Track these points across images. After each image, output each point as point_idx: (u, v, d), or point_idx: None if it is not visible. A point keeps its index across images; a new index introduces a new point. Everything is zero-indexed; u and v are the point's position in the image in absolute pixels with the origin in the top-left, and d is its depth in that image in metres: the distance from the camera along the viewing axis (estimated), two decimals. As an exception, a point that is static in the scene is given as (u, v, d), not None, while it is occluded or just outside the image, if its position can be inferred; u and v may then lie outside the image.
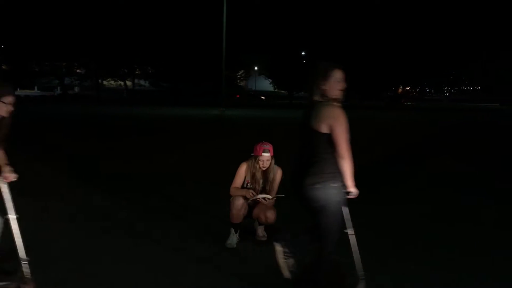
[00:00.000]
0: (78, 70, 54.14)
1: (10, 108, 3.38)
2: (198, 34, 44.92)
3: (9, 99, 3.37)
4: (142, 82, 59.52)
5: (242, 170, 4.74)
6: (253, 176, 4.68)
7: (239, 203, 4.56)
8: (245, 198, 4.61)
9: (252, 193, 4.59)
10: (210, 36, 42.98)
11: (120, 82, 57.72)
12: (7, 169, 3.50)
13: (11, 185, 3.50)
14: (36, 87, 62.20)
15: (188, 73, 47.97)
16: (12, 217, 3.43)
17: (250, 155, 4.72)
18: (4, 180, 3.48)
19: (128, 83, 58.37)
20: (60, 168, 8.73)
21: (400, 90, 69.37)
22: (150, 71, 53.77)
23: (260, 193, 4.66)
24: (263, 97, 59.69)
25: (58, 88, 55.50)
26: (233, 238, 4.63)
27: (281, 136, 14.08)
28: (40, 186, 7.04)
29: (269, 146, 4.63)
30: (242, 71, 57.80)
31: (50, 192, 6.75)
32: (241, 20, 43.02)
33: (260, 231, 4.85)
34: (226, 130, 18.89)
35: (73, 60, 49.02)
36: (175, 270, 4.02)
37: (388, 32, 50.47)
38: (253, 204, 4.71)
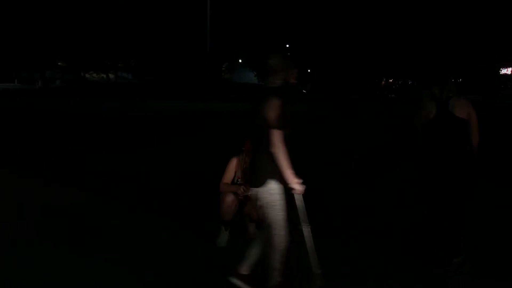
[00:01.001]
0: (59, 63, 53.21)
1: None
2: (181, 26, 44.44)
3: None
4: (125, 74, 58.81)
5: (232, 165, 4.60)
6: (244, 170, 4.53)
7: (229, 200, 4.43)
8: (235, 194, 4.48)
9: (244, 189, 4.46)
10: (194, 29, 42.58)
11: (102, 75, 56.95)
12: (295, 181, 3.23)
13: None
14: (16, 80, 61.00)
15: (171, 65, 47.49)
16: (306, 229, 3.36)
17: (240, 149, 4.58)
18: (298, 192, 3.26)
19: (111, 75, 57.62)
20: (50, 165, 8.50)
21: (383, 82, 69.64)
22: (132, 64, 53.14)
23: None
24: (304, 91, 60.04)
25: (39, 81, 54.54)
26: (224, 237, 4.51)
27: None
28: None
29: None
30: (227, 63, 57.45)
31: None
32: (225, 12, 42.68)
33: (252, 229, 4.72)
34: (212, 123, 18.68)
35: (54, 52, 48.12)
36: (162, 270, 3.89)
37: (370, 23, 50.61)
38: (244, 201, 4.58)
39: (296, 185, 3.18)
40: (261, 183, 3.15)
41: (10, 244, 4.44)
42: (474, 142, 3.95)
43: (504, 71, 78.53)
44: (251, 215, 4.59)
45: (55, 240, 4.57)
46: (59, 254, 4.20)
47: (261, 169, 3.17)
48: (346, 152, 10.97)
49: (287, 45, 53.37)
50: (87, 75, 61.40)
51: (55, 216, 5.32)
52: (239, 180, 4.62)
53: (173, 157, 9.69)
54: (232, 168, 4.61)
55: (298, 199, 3.36)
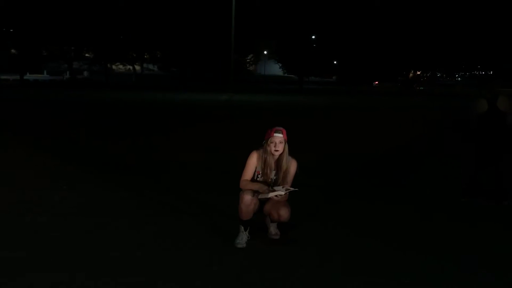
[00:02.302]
0: (87, 55, 53.76)
1: None
2: (207, 17, 44.31)
3: None
4: (151, 66, 59.09)
5: (253, 160, 4.31)
6: (264, 161, 4.25)
7: (248, 198, 4.13)
8: (255, 192, 4.22)
9: (268, 189, 4.19)
10: (219, 20, 42.42)
11: (129, 66, 57.34)
12: None
13: None
14: (45, 71, 62.06)
15: (197, 57, 47.45)
16: None
17: (261, 144, 4.31)
18: None
19: (137, 67, 57.98)
20: (67, 156, 8.41)
21: (411, 74, 68.37)
22: (158, 56, 53.31)
23: (273, 185, 4.27)
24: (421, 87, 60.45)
25: (67, 72, 55.26)
26: (243, 237, 4.23)
27: (295, 125, 13.71)
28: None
29: (281, 129, 4.24)
30: (252, 55, 57.12)
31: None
32: (251, 3, 42.32)
33: (273, 229, 4.46)
34: (235, 115, 18.47)
35: (82, 44, 48.61)
36: (178, 273, 3.66)
37: (399, 15, 49.62)
38: (264, 199, 4.31)
39: None
40: None
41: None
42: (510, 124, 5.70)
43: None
44: (271, 214, 4.32)
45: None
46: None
47: None
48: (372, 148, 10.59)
49: (313, 37, 52.72)
50: (113, 67, 62.00)
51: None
52: (259, 175, 4.33)
53: (192, 150, 9.48)
54: (253, 163, 4.32)
55: None
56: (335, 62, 58.47)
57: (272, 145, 4.21)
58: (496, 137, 5.73)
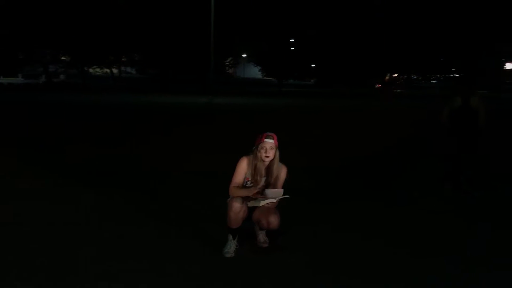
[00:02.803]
0: (63, 58, 52.84)
1: None
2: (185, 20, 43.98)
3: None
4: (128, 69, 58.42)
5: (243, 166, 4.17)
6: (255, 168, 4.12)
7: (237, 206, 4.01)
8: (245, 199, 4.10)
9: (259, 192, 4.07)
10: (198, 23, 42.16)
11: (106, 69, 56.56)
12: None
13: None
14: (20, 75, 60.77)
15: (175, 60, 47.07)
16: None
17: (250, 148, 4.19)
18: None
19: (115, 70, 57.23)
20: (43, 161, 8.15)
21: (387, 77, 69.01)
22: (136, 58, 52.72)
23: (264, 189, 4.13)
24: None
25: (43, 76, 54.23)
26: (231, 245, 4.11)
27: (278, 127, 13.61)
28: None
29: (272, 135, 4.13)
30: (231, 58, 56.95)
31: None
32: (230, 6, 42.19)
33: (262, 237, 4.35)
34: (216, 118, 18.31)
35: (59, 47, 47.75)
36: (165, 285, 3.52)
37: (375, 18, 50.17)
38: (253, 207, 4.19)
39: None
40: None
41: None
42: (481, 122, 6.39)
43: (510, 66, 77.79)
44: (260, 222, 4.21)
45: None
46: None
47: None
48: (356, 150, 10.58)
49: (292, 40, 52.95)
50: (90, 70, 61.11)
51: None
52: (248, 182, 4.21)
53: (176, 155, 9.31)
54: (242, 169, 4.18)
55: None
56: (313, 65, 58.76)
57: (262, 151, 4.09)
58: (467, 132, 6.33)
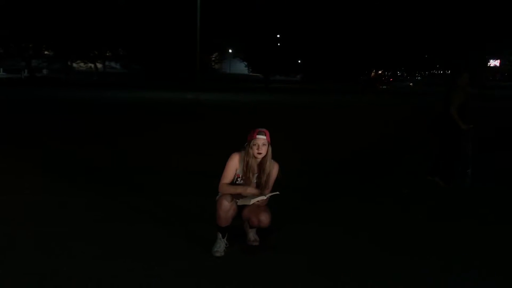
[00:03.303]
0: (46, 52, 52.04)
1: None
2: (171, 14, 43.61)
3: None
4: (113, 64, 57.77)
5: (233, 162, 4.06)
6: (246, 164, 4.01)
7: (227, 204, 3.91)
8: (235, 196, 3.99)
9: (249, 190, 3.99)
10: (183, 17, 41.83)
11: (90, 64, 55.87)
12: None
13: None
14: (1, 69, 59.78)
15: (161, 55, 46.66)
16: None
17: (242, 145, 4.08)
18: None
19: (99, 65, 56.58)
20: (33, 158, 7.94)
21: (373, 74, 69.39)
22: (121, 53, 52.15)
23: (256, 187, 4.07)
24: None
25: (25, 70, 53.36)
26: (221, 244, 4.01)
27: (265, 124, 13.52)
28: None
29: (265, 130, 4.02)
30: (217, 53, 56.65)
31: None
32: (216, 0, 41.93)
33: (252, 235, 4.26)
34: (204, 115, 18.14)
35: (41, 41, 46.98)
36: (153, 286, 3.41)
37: (360, 14, 50.31)
38: (242, 204, 4.08)
39: None
40: None
41: None
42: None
43: (493, 62, 78.82)
44: (250, 220, 4.11)
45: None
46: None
47: None
48: (344, 147, 10.53)
49: (278, 35, 52.85)
50: (74, 65, 60.36)
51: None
52: (238, 179, 4.10)
53: (164, 150, 9.16)
54: (233, 165, 4.07)
55: None
56: (299, 61, 58.76)
57: (255, 148, 3.99)
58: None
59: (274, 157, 4.15)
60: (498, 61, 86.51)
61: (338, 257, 4.02)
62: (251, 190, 4.01)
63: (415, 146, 10.34)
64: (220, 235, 4.02)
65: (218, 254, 3.95)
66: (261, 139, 3.98)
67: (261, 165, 4.07)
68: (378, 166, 8.32)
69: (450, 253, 4.18)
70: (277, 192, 4.01)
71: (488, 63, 75.11)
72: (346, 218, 5.14)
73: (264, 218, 4.02)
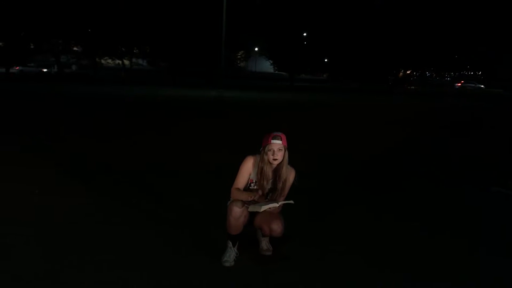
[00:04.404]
0: (75, 48, 52.81)
1: None
2: (197, 13, 43.66)
3: None
4: (140, 61, 58.22)
5: (247, 166, 3.79)
6: (261, 171, 3.74)
7: (238, 210, 3.66)
8: (246, 202, 3.75)
9: (259, 195, 3.72)
10: (209, 15, 41.83)
11: (118, 61, 56.44)
12: None
13: None
14: (32, 65, 60.85)
15: (187, 52, 46.78)
16: None
17: (257, 148, 3.80)
18: None
19: (126, 62, 57.10)
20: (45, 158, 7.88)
21: (401, 74, 68.21)
22: (148, 50, 52.50)
23: (271, 194, 3.81)
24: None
25: (55, 66, 54.28)
26: (231, 253, 3.78)
27: (290, 124, 13.32)
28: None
29: (280, 134, 3.73)
30: (242, 51, 56.51)
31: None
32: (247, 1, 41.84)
33: (264, 244, 4.02)
34: (225, 113, 17.97)
35: (70, 37, 47.70)
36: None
37: (388, 13, 49.45)
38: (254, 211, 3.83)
39: None
40: None
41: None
42: None
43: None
44: (262, 228, 3.87)
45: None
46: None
47: None
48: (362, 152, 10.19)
49: (304, 34, 52.39)
50: (102, 61, 61.14)
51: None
52: (252, 184, 3.86)
53: (181, 151, 8.99)
54: (247, 170, 3.81)
55: None
56: (326, 60, 58.15)
57: (270, 153, 3.71)
58: None
59: (293, 161, 3.89)
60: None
61: (356, 270, 3.75)
62: (254, 195, 3.73)
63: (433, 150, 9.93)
64: (230, 244, 3.80)
65: (227, 264, 3.72)
66: (277, 144, 3.70)
67: (277, 171, 3.80)
68: (399, 170, 7.96)
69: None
70: (291, 201, 3.76)
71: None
72: (365, 231, 4.85)
73: (277, 227, 3.76)
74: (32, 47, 48.31)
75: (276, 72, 61.83)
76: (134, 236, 4.29)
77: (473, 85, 65.53)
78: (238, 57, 55.48)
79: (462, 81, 68.47)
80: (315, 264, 3.84)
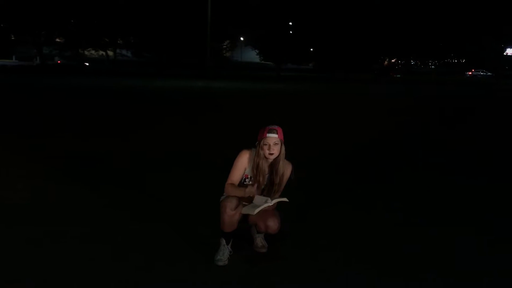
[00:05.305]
0: (57, 39, 51.87)
1: None
2: (182, 2, 43.14)
3: None
4: (124, 52, 57.45)
5: (242, 161, 3.59)
6: (256, 166, 3.54)
7: (231, 207, 3.44)
8: (241, 198, 3.54)
9: (254, 190, 3.50)
10: (194, 5, 41.37)
11: (101, 52, 55.63)
12: None
13: None
14: (14, 57, 59.94)
15: (172, 43, 46.25)
16: None
17: (253, 142, 3.60)
18: None
19: (110, 53, 56.32)
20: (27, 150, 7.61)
21: (386, 62, 68.37)
22: (132, 41, 51.81)
23: (267, 190, 3.61)
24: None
25: (37, 57, 53.32)
26: (224, 252, 3.56)
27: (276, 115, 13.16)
28: None
29: (276, 128, 3.53)
30: (228, 41, 56.10)
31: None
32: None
33: (259, 241, 3.81)
34: (216, 104, 17.74)
35: (53, 28, 46.77)
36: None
37: (374, 2, 49.45)
38: (249, 204, 3.63)
39: None
40: None
41: None
42: None
43: (510, 51, 77.21)
44: (258, 225, 3.68)
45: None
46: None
47: None
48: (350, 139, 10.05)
49: (290, 23, 52.16)
50: (85, 52, 60.22)
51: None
52: (247, 179, 3.65)
53: (170, 143, 8.77)
54: (242, 164, 3.61)
55: None
56: (311, 50, 58.02)
57: (265, 148, 3.50)
58: None
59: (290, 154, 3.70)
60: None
61: (352, 265, 3.59)
62: (250, 190, 3.50)
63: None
64: (224, 241, 3.59)
65: (221, 263, 3.51)
66: (273, 138, 3.49)
67: (273, 166, 3.60)
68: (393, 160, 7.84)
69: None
70: (285, 199, 3.55)
71: (505, 52, 73.53)
72: (362, 226, 4.70)
73: (273, 224, 3.56)
74: (13, 38, 47.43)
75: (262, 61, 61.57)
76: (123, 234, 4.08)
77: (483, 73, 66.80)
78: (224, 47, 55.10)
79: (473, 70, 69.54)
80: (308, 263, 3.65)
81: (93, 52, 58.74)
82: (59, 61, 52.96)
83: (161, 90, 23.32)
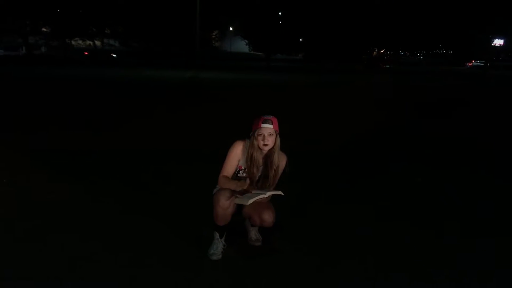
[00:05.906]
0: (44, 29, 51.02)
1: None
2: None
3: None
4: (111, 41, 56.81)
5: (236, 152, 3.49)
6: (250, 157, 3.45)
7: (225, 200, 3.36)
8: (234, 191, 3.45)
9: (248, 184, 3.45)
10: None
11: (89, 42, 54.95)
12: None
13: None
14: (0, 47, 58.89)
15: (160, 32, 45.77)
16: None
17: (247, 133, 3.50)
18: None
19: (97, 43, 55.65)
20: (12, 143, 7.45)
21: (375, 53, 68.47)
22: (120, 30, 51.18)
23: (262, 182, 3.52)
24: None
25: (23, 47, 52.46)
26: (218, 246, 3.49)
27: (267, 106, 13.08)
28: None
29: (271, 118, 3.43)
30: (217, 31, 55.66)
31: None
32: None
33: (253, 234, 3.76)
34: (205, 94, 17.59)
35: (39, 17, 45.92)
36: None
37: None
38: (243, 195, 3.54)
39: None
40: None
41: None
42: None
43: (497, 42, 77.63)
44: (252, 218, 3.60)
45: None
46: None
47: None
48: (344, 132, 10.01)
49: (279, 13, 51.89)
50: (72, 42, 59.42)
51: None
52: (241, 171, 3.56)
53: (161, 134, 8.66)
54: (235, 156, 3.51)
55: None
56: (301, 40, 57.84)
57: (260, 138, 3.40)
58: None
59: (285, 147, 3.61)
60: (502, 40, 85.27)
61: (350, 258, 3.55)
62: (242, 184, 3.44)
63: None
64: (217, 235, 3.51)
65: (214, 258, 3.45)
66: (267, 129, 3.40)
67: (268, 157, 3.50)
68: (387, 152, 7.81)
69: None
70: (280, 192, 3.43)
71: (492, 43, 73.91)
72: (356, 219, 4.65)
73: (268, 217, 3.49)
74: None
75: (252, 52, 61.28)
76: (116, 226, 3.99)
77: (482, 64, 67.37)
78: (213, 37, 54.69)
79: (473, 61, 70.10)
80: (303, 256, 3.59)
81: (80, 42, 58.01)
82: (86, 53, 52.01)
83: (149, 80, 23.08)
